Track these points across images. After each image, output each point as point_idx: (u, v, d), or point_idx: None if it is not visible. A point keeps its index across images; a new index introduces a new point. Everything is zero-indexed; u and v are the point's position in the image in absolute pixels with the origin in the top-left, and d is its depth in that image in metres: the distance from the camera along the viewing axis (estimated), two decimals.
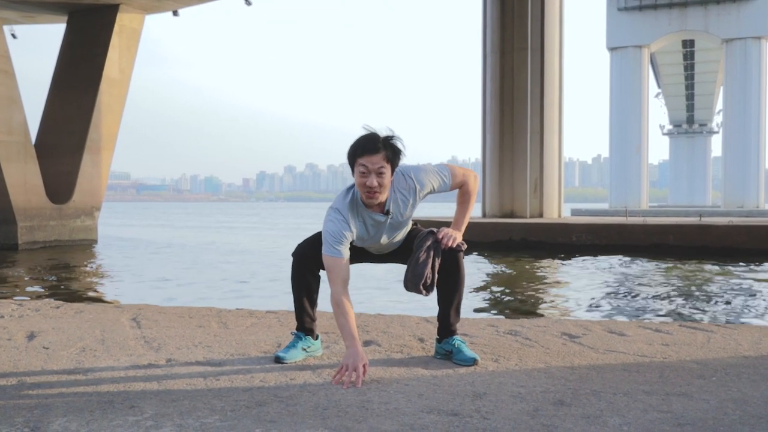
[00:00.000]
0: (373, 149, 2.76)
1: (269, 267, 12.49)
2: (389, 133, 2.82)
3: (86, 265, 12.88)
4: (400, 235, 3.04)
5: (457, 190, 3.08)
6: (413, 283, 2.92)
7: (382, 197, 2.84)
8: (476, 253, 13.49)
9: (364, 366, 2.64)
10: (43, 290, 8.93)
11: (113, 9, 18.28)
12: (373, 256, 3.13)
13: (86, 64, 18.42)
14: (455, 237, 2.96)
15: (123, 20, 18.56)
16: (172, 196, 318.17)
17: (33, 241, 17.15)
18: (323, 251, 2.85)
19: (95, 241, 18.87)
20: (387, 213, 2.88)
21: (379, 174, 2.77)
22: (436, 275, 2.94)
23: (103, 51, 18.31)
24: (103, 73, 18.26)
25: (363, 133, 2.84)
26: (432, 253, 2.93)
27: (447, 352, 3.01)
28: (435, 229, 3.00)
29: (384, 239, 2.98)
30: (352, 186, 2.89)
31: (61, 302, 5.06)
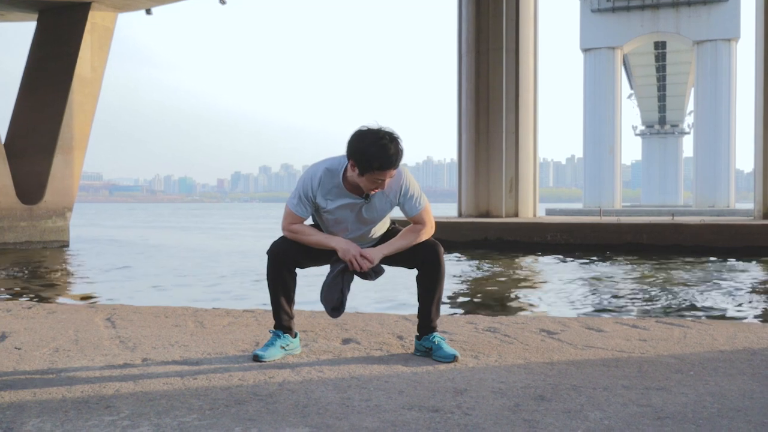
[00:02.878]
0: (394, 165, 2.73)
1: (242, 267, 12.40)
2: (394, 134, 2.74)
3: (58, 266, 12.68)
4: (374, 234, 3.03)
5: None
6: (326, 304, 2.95)
7: None
8: (453, 252, 13.52)
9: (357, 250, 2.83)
10: (14, 291, 8.76)
11: (85, 7, 18.01)
12: None
13: (57, 62, 18.13)
14: (366, 263, 2.86)
15: (95, 18, 18.29)
16: (145, 197, 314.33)
17: (3, 243, 16.83)
18: (287, 201, 2.93)
19: (67, 242, 18.61)
20: (366, 197, 2.88)
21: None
22: (346, 300, 2.94)
23: (74, 49, 18.03)
24: (75, 72, 17.97)
25: (372, 130, 2.72)
26: (343, 278, 2.91)
27: (427, 349, 3.00)
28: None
29: (351, 226, 2.95)
30: (345, 163, 2.84)
31: (33, 303, 4.98)
